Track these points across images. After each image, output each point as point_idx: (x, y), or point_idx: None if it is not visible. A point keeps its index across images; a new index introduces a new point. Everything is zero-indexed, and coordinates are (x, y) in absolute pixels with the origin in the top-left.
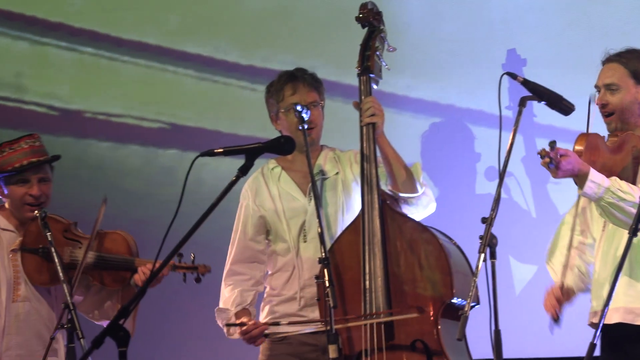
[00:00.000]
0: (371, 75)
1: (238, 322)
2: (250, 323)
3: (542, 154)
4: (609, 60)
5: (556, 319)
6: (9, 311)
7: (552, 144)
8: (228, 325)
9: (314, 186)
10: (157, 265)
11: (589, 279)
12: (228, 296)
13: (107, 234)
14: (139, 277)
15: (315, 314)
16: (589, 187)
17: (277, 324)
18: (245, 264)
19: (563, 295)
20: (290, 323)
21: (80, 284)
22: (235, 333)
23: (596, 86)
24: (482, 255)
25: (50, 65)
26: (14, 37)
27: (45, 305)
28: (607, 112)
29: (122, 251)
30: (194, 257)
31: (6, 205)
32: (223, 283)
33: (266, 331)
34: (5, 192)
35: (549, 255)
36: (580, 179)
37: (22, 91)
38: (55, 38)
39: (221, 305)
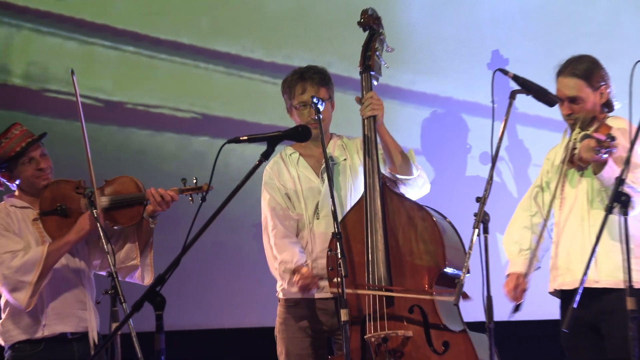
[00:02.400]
0: (372, 72)
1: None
2: (307, 276)
3: (606, 145)
4: (565, 74)
5: (518, 305)
6: None
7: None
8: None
9: (329, 170)
10: (163, 193)
11: (539, 259)
12: (284, 255)
13: (115, 179)
14: (152, 205)
15: (324, 282)
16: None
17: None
18: (288, 235)
19: (518, 286)
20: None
21: (97, 247)
22: (295, 284)
23: (557, 96)
24: (477, 230)
25: (96, 62)
26: (65, 38)
27: (72, 264)
28: (573, 119)
29: (132, 190)
30: (196, 180)
31: (16, 192)
32: (275, 248)
33: (281, 295)
34: (14, 175)
35: (505, 237)
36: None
37: (72, 85)
38: (101, 38)
39: (278, 261)
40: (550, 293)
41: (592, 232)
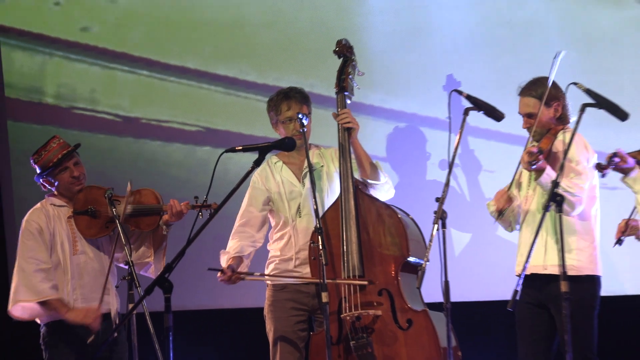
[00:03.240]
0: (346, 93)
1: (222, 268)
2: (228, 272)
3: (534, 158)
4: (523, 94)
5: (500, 214)
6: (72, 262)
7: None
8: (210, 269)
9: (312, 176)
10: (179, 207)
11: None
12: (231, 245)
13: (139, 190)
14: (167, 216)
15: (306, 270)
16: None
17: (250, 274)
18: (249, 226)
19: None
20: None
21: (119, 243)
22: (218, 279)
23: (519, 113)
24: (436, 225)
25: (116, 84)
26: (90, 64)
27: (97, 256)
28: (533, 132)
29: (152, 201)
30: (206, 199)
31: (55, 191)
32: (230, 237)
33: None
34: (53, 181)
35: (489, 202)
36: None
37: (95, 103)
38: (120, 64)
39: (226, 249)
40: (517, 276)
41: (543, 226)
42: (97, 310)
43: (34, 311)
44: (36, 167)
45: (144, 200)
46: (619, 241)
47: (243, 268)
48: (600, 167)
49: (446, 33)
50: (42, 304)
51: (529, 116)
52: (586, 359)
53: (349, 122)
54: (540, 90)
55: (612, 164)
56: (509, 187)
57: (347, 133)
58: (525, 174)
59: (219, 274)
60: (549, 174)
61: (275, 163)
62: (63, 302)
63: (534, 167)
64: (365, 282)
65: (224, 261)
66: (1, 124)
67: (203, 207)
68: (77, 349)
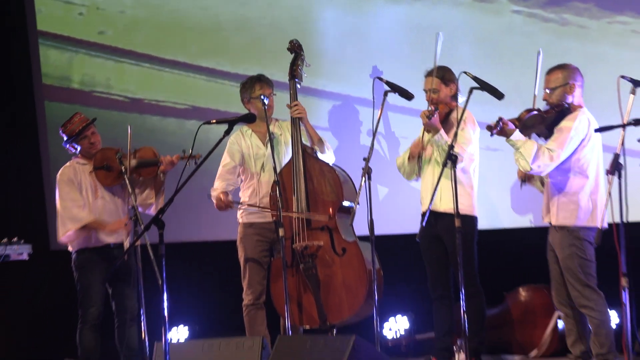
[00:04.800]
0: (296, 80)
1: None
2: (223, 199)
3: (429, 113)
4: (428, 74)
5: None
6: (94, 204)
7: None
8: (208, 196)
9: (272, 141)
10: (170, 158)
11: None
12: (218, 185)
13: (141, 148)
14: (164, 167)
15: (268, 212)
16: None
17: (238, 203)
18: (228, 173)
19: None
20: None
21: (126, 191)
22: (214, 200)
23: (424, 89)
24: (364, 178)
25: (125, 74)
26: (105, 58)
27: (112, 200)
28: (434, 104)
29: (151, 156)
30: (191, 151)
31: (79, 154)
32: (215, 179)
33: (238, 205)
34: (77, 146)
35: (397, 159)
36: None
37: (110, 88)
38: (128, 59)
39: (213, 187)
40: (422, 215)
41: (437, 176)
42: (124, 219)
43: (79, 235)
44: (63, 135)
45: (144, 155)
46: (523, 181)
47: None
48: (489, 128)
49: (374, 35)
50: (82, 229)
51: (432, 91)
52: (470, 275)
53: (299, 113)
54: (441, 72)
55: (498, 125)
56: (421, 139)
57: (298, 119)
58: (425, 138)
59: (215, 201)
60: (442, 135)
61: (245, 131)
62: (98, 221)
63: (431, 119)
64: (324, 218)
65: (215, 194)
66: (39, 103)
67: (190, 158)
68: (99, 269)
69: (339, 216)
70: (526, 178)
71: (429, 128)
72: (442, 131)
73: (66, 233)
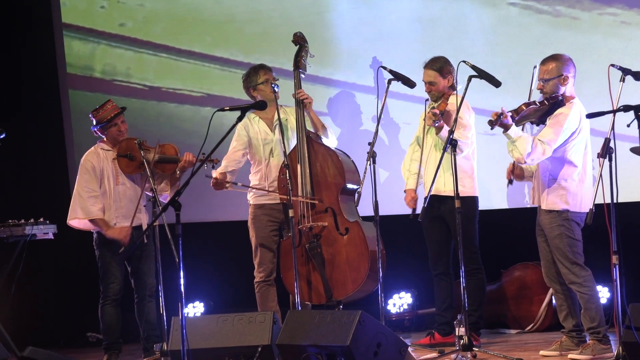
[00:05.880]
0: (300, 70)
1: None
2: (219, 178)
3: (436, 118)
4: (427, 67)
5: (414, 212)
6: (115, 190)
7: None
8: (206, 176)
9: (281, 127)
10: (190, 158)
11: (421, 178)
12: (222, 165)
13: (164, 145)
14: (181, 165)
15: (276, 195)
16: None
17: (235, 184)
18: (236, 157)
19: (413, 197)
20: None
21: (145, 180)
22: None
23: (423, 81)
24: (368, 162)
25: (144, 63)
26: (125, 49)
27: (132, 187)
28: (432, 95)
29: (172, 153)
30: (209, 154)
31: (105, 139)
32: (222, 160)
33: (233, 185)
34: (105, 132)
35: (402, 166)
36: None
37: (129, 77)
38: (146, 49)
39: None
40: (425, 198)
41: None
42: (128, 229)
43: (85, 224)
44: (93, 120)
45: (166, 152)
46: (510, 181)
47: (228, 179)
48: (490, 123)
49: (376, 28)
50: (91, 221)
51: (430, 84)
52: (471, 252)
53: (306, 98)
54: (439, 65)
55: (498, 120)
56: (416, 186)
57: (302, 104)
58: (426, 128)
59: (212, 180)
60: (446, 130)
61: (253, 118)
62: (105, 222)
63: (436, 125)
64: (316, 201)
65: (214, 173)
66: (64, 91)
67: (207, 161)
68: (119, 247)
69: (342, 198)
70: (514, 177)
71: (435, 129)
72: (445, 127)
73: (74, 218)
